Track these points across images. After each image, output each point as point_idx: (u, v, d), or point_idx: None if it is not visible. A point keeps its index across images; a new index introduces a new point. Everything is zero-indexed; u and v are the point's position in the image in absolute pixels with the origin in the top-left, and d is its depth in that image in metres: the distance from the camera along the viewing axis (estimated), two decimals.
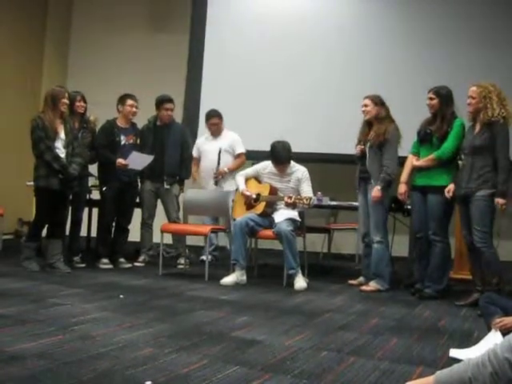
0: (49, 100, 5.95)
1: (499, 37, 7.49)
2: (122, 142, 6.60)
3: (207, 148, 7.16)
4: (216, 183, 6.96)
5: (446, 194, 5.25)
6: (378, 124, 5.80)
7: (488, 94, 4.93)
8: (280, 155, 6.03)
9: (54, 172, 5.87)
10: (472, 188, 5.00)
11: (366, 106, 5.86)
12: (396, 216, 6.37)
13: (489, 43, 7.47)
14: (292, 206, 5.86)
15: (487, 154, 4.95)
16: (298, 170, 6.11)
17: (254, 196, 6.14)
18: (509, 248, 5.04)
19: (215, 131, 7.16)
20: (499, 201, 4.86)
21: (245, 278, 5.91)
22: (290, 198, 5.82)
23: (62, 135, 5.97)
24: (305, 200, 5.78)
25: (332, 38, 8.14)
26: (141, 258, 6.96)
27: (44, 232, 6.19)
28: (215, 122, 7.16)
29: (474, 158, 5.02)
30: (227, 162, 7.07)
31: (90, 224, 7.38)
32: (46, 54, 9.42)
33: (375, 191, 5.70)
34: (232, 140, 7.19)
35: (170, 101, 6.91)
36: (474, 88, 5.04)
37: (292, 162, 6.15)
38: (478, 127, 5.04)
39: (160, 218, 7.02)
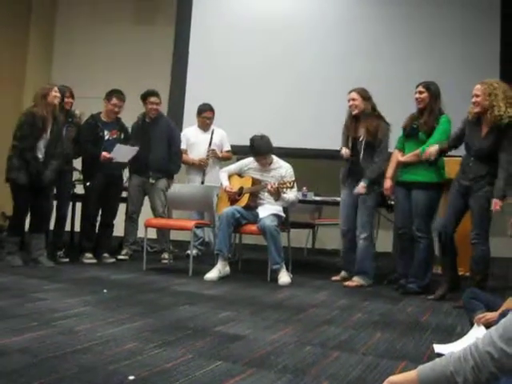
0: (39, 98, 5.91)
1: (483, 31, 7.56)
2: (106, 137, 6.58)
3: (196, 141, 7.15)
4: (204, 173, 6.96)
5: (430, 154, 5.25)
6: (367, 120, 5.79)
7: (493, 90, 4.81)
8: (259, 147, 6.04)
9: (25, 168, 5.84)
10: (476, 184, 4.96)
11: (353, 99, 5.83)
12: (380, 211, 6.39)
13: (472, 40, 7.53)
14: (276, 194, 5.86)
15: (494, 155, 4.90)
16: (282, 167, 6.12)
17: (237, 191, 6.14)
18: (496, 244, 5.06)
19: (207, 125, 7.16)
20: (497, 202, 4.82)
21: (228, 269, 5.93)
22: (273, 185, 5.83)
23: (48, 134, 5.94)
24: (288, 183, 5.79)
25: (319, 34, 8.16)
26: (124, 252, 6.94)
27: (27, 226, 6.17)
28: (208, 115, 7.16)
29: (481, 160, 4.97)
30: (216, 161, 7.15)
31: (73, 218, 7.35)
32: (30, 48, 9.34)
33: (360, 188, 5.71)
34: (221, 137, 7.21)
35: (155, 94, 6.88)
36: (479, 86, 4.91)
37: (276, 158, 6.16)
38: (484, 129, 4.96)
39: (146, 213, 7.01)
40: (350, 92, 5.88)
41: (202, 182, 7.00)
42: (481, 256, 4.98)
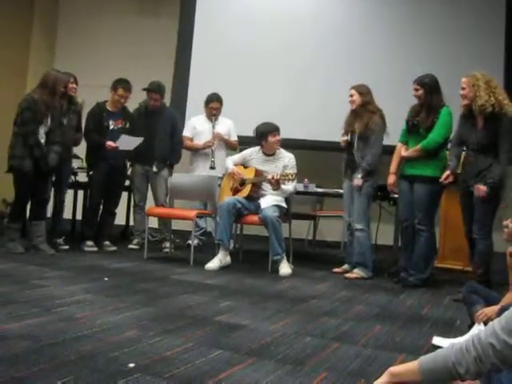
0: (49, 84, 5.89)
1: (487, 28, 7.53)
2: (111, 127, 6.58)
3: (202, 129, 7.11)
4: (212, 154, 6.96)
5: (443, 181, 5.21)
6: (363, 114, 5.82)
7: (476, 81, 4.92)
8: (266, 127, 6.11)
9: (29, 154, 5.84)
10: (478, 179, 4.94)
11: (351, 96, 5.89)
12: (382, 204, 6.39)
13: (476, 34, 7.51)
14: (276, 184, 5.87)
15: (494, 149, 4.91)
16: (285, 157, 6.14)
17: (242, 176, 6.14)
18: (495, 239, 5.06)
19: (214, 115, 7.14)
20: (480, 188, 4.85)
21: (229, 258, 5.94)
22: (274, 176, 5.85)
23: (49, 120, 5.94)
24: (290, 176, 5.81)
25: (323, 26, 8.14)
26: (135, 241, 6.93)
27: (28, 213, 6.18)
28: (216, 106, 7.13)
29: (480, 154, 4.97)
30: (221, 146, 7.10)
31: (75, 206, 7.36)
32: (33, 39, 9.31)
33: (356, 180, 5.73)
34: (228, 126, 7.19)
35: (153, 90, 6.82)
36: (464, 78, 5.03)
37: (280, 148, 6.17)
38: (480, 121, 4.99)
39: (148, 202, 7.02)
40: (350, 89, 5.92)
41: (212, 168, 6.95)
42: (483, 251, 4.99)
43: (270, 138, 6.09)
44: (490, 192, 4.86)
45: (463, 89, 5.03)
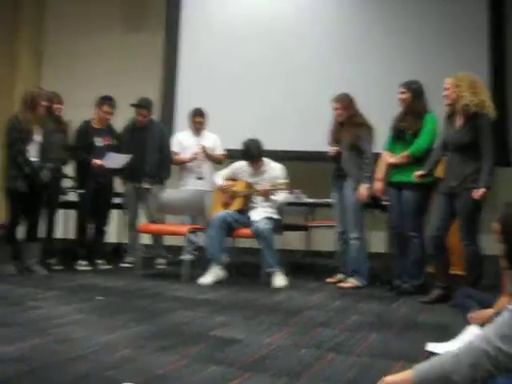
0: (28, 102, 5.90)
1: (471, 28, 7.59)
2: (98, 144, 6.57)
3: (189, 144, 7.13)
4: (199, 166, 6.98)
5: (416, 178, 5.27)
6: (350, 124, 5.84)
7: (459, 82, 4.94)
8: (252, 152, 6.07)
9: (22, 175, 5.84)
10: (460, 186, 4.96)
11: (336, 108, 5.92)
12: (373, 212, 6.40)
13: (459, 39, 7.57)
14: (267, 196, 5.88)
15: (475, 150, 4.90)
16: (274, 169, 6.14)
17: (233, 188, 6.15)
18: (487, 241, 5.07)
19: (198, 129, 7.16)
20: (477, 191, 4.84)
21: (222, 272, 5.93)
22: (264, 188, 5.87)
23: (37, 138, 5.94)
24: (280, 186, 5.83)
25: (307, 38, 8.16)
26: (130, 259, 6.90)
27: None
28: (199, 120, 7.16)
29: (460, 154, 4.98)
30: (207, 161, 7.12)
31: (66, 226, 7.33)
32: (19, 57, 9.28)
33: (364, 189, 5.72)
34: (214, 140, 7.21)
35: (141, 106, 6.83)
36: (448, 79, 5.07)
37: (267, 160, 6.19)
38: (459, 121, 5.01)
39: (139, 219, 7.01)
40: (332, 100, 5.94)
41: (200, 178, 6.95)
42: (472, 256, 5.00)
43: (254, 164, 6.12)
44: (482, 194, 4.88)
45: (446, 89, 5.07)
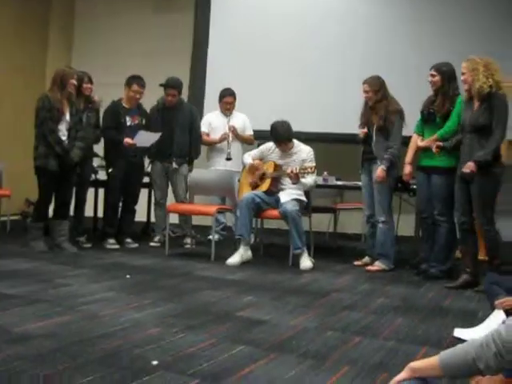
0: (57, 80, 5.95)
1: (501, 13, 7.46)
2: (128, 123, 6.61)
3: (218, 125, 7.15)
4: (228, 146, 7.00)
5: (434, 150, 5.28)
6: (380, 108, 5.80)
7: (475, 65, 4.90)
8: (279, 134, 6.05)
9: (53, 153, 5.90)
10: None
11: (366, 91, 5.88)
12: (402, 196, 6.38)
13: (489, 21, 7.44)
14: (296, 178, 5.88)
15: (490, 132, 4.87)
16: (303, 150, 6.12)
17: (264, 169, 6.16)
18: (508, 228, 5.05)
19: (228, 110, 7.18)
20: (470, 165, 4.83)
21: (250, 253, 5.95)
22: (293, 170, 5.86)
23: (67, 117, 5.99)
24: (309, 169, 5.81)
25: (335, 17, 8.07)
26: (156, 238, 6.94)
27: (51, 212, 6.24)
28: (230, 100, 7.18)
29: (475, 136, 4.94)
30: (236, 141, 7.14)
31: (96, 204, 7.40)
32: (50, 37, 9.35)
33: (380, 171, 5.71)
34: (243, 121, 7.21)
35: (171, 87, 6.84)
36: (464, 63, 5.03)
37: (297, 142, 6.17)
38: (476, 104, 4.98)
39: (168, 199, 7.05)
40: (363, 83, 5.90)
41: (228, 159, 6.97)
42: (491, 241, 4.97)
43: (282, 145, 6.11)
44: (485, 180, 4.86)
45: (463, 74, 5.04)
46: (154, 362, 2.80)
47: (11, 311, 3.66)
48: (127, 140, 6.42)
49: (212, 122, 7.21)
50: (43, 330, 3.25)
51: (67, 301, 3.99)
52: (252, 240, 6.34)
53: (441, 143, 5.28)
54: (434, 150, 5.27)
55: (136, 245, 6.68)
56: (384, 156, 5.73)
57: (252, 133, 7.26)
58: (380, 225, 5.81)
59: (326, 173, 6.64)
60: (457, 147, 5.21)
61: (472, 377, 1.86)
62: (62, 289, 4.37)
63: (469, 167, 4.85)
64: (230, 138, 7.01)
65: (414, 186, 5.87)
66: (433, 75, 5.46)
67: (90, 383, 2.52)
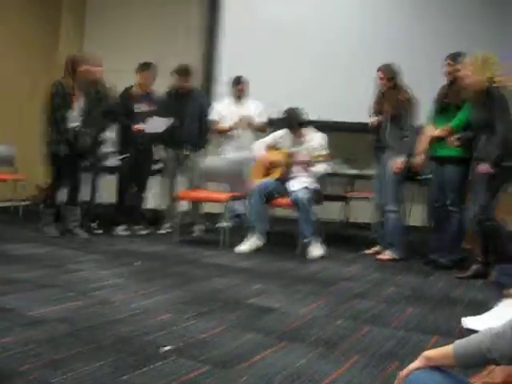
0: (69, 66, 5.97)
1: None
2: (139, 110, 6.61)
3: (228, 113, 7.13)
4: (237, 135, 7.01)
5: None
6: (393, 96, 5.78)
7: (475, 61, 4.86)
8: (292, 120, 6.05)
9: (64, 139, 5.92)
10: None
11: (380, 78, 5.87)
12: (413, 185, 6.36)
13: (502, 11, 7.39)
14: (307, 166, 5.87)
15: (491, 128, 4.83)
16: (315, 138, 6.11)
17: (269, 156, 6.16)
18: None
19: (240, 97, 7.17)
20: (483, 168, 4.81)
21: (260, 241, 5.95)
22: (305, 157, 5.87)
23: (80, 103, 6.00)
24: (321, 157, 5.81)
25: (349, 4, 8.06)
26: (166, 225, 6.98)
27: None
28: (241, 88, 7.18)
29: (483, 132, 4.91)
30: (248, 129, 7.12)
31: (108, 191, 7.42)
32: (62, 22, 9.36)
33: (398, 163, 5.68)
34: (255, 107, 7.19)
35: (181, 73, 6.83)
36: (466, 59, 5.04)
37: (309, 129, 6.17)
38: (474, 98, 4.96)
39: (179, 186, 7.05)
40: (377, 70, 5.89)
41: (239, 148, 6.96)
42: (490, 234, 4.96)
43: (294, 132, 6.10)
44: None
45: (461, 70, 5.05)
46: (166, 348, 2.82)
47: (24, 295, 3.69)
48: (136, 126, 6.43)
49: (222, 110, 7.20)
50: (56, 315, 3.28)
51: (79, 286, 4.02)
52: (268, 227, 6.32)
53: (458, 135, 5.25)
54: (454, 143, 5.24)
55: (146, 231, 6.70)
56: (401, 147, 5.70)
57: (265, 120, 7.22)
58: (390, 214, 5.80)
59: (337, 161, 6.64)
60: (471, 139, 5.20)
61: (485, 366, 1.86)
62: (73, 274, 4.40)
63: (483, 170, 4.82)
64: (240, 130, 7.00)
65: (425, 176, 5.86)
66: (449, 64, 5.43)
67: (102, 367, 2.54)
